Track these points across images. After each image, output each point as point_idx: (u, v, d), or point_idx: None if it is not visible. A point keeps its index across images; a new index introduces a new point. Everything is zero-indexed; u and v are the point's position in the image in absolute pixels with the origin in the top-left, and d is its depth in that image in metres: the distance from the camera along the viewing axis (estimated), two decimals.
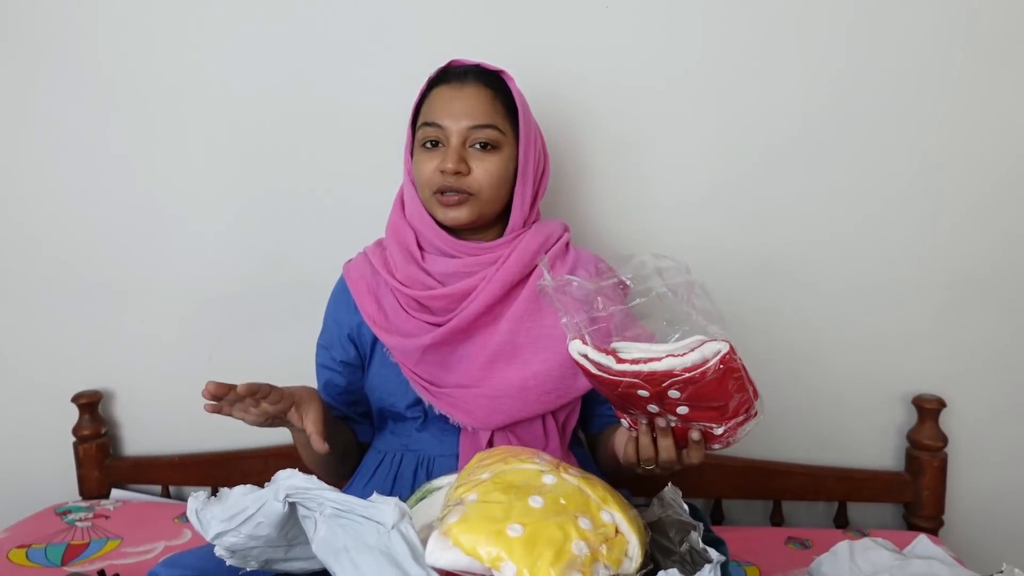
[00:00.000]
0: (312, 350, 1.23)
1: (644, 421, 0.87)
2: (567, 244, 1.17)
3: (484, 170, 1.07)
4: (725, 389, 0.76)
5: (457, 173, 1.05)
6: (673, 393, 0.77)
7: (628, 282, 0.84)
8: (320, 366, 1.21)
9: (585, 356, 0.81)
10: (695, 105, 1.42)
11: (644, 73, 1.42)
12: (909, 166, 1.41)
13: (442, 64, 1.14)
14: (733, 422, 0.81)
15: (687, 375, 0.74)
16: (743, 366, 0.76)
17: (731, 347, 0.75)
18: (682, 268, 0.82)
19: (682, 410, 0.80)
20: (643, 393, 0.79)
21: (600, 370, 0.80)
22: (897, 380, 1.47)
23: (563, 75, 1.43)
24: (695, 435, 0.84)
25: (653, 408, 0.82)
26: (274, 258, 1.55)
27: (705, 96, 1.42)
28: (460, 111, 1.07)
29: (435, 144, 1.08)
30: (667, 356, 0.75)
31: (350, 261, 1.22)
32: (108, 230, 1.58)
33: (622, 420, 0.91)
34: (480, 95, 1.08)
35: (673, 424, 0.85)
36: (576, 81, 1.43)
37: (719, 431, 0.82)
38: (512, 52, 1.42)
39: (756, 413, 0.81)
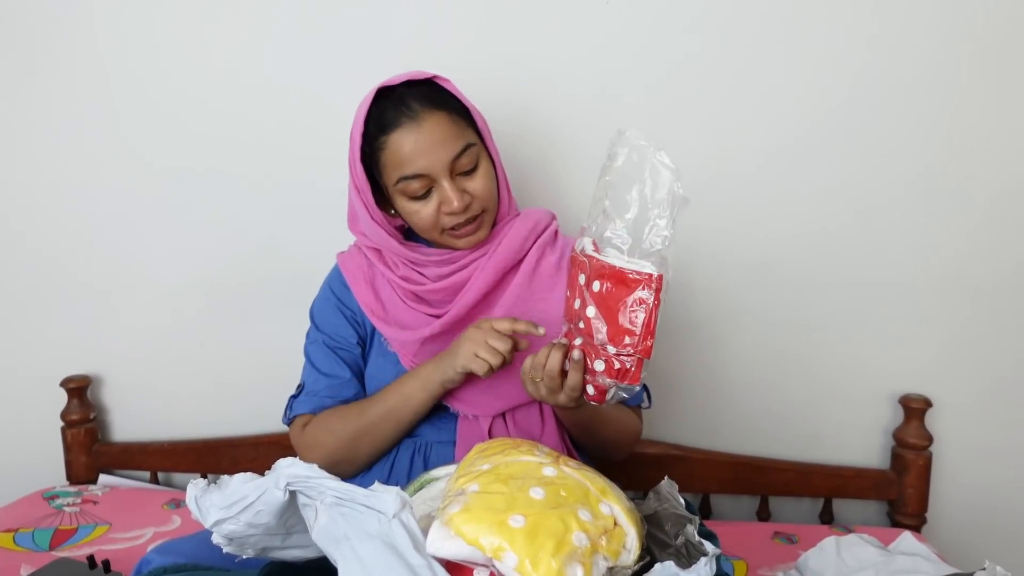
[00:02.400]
0: (302, 336, 1.21)
1: (560, 341, 0.92)
2: (556, 231, 1.17)
3: (482, 187, 1.06)
4: (630, 304, 0.81)
5: (465, 207, 1.04)
6: (595, 285, 0.84)
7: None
8: (332, 346, 1.15)
9: (583, 250, 0.88)
10: (689, 102, 1.42)
11: (639, 68, 1.43)
12: (900, 167, 1.42)
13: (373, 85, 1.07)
14: (614, 356, 0.83)
15: (615, 269, 0.82)
16: (657, 306, 0.81)
17: (660, 276, 0.80)
18: (674, 180, 0.83)
19: (589, 311, 0.84)
20: (581, 279, 0.87)
21: (576, 252, 0.89)
22: (884, 379, 1.49)
23: (556, 69, 1.43)
24: (576, 353, 0.87)
25: (576, 304, 0.88)
26: (266, 246, 1.55)
27: (699, 93, 1.42)
28: (434, 149, 1.01)
29: (424, 191, 1.04)
30: (617, 258, 0.83)
31: (343, 253, 1.21)
32: (100, 218, 1.57)
33: (563, 327, 0.95)
34: (439, 121, 1.02)
35: (577, 344, 0.89)
36: (569, 75, 1.43)
37: (599, 365, 0.85)
38: (506, 43, 1.43)
39: (637, 375, 0.83)
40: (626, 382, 0.84)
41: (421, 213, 1.05)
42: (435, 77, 1.07)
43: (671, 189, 0.81)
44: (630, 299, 0.81)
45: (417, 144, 1.01)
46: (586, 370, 0.88)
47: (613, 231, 0.84)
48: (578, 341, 0.88)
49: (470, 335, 0.99)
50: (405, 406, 1.06)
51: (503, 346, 0.96)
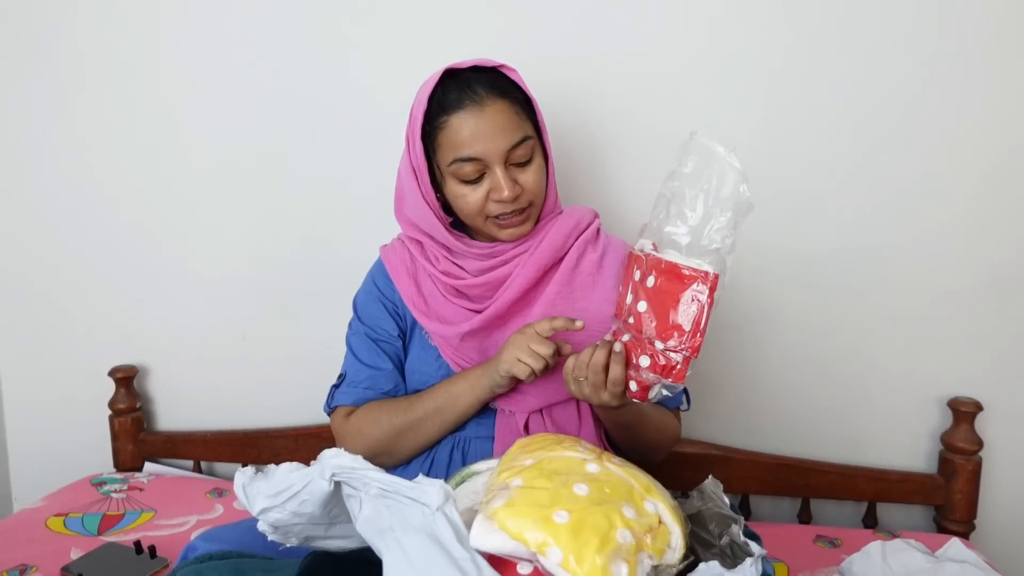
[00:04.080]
0: (343, 331, 1.22)
1: (605, 338, 0.92)
2: (598, 230, 1.17)
3: (533, 181, 1.06)
4: (683, 299, 0.81)
5: (515, 197, 1.04)
6: (650, 280, 0.84)
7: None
8: (374, 338, 1.15)
9: (642, 250, 0.88)
10: (736, 101, 1.41)
11: (685, 66, 1.41)
12: (949, 167, 1.38)
13: (439, 69, 1.06)
14: (662, 351, 0.82)
15: (671, 264, 0.82)
16: (710, 304, 0.80)
17: (717, 275, 0.79)
18: (740, 181, 0.81)
19: (641, 306, 0.84)
20: (636, 275, 0.87)
21: (635, 250, 0.90)
22: (932, 382, 1.45)
23: (600, 66, 1.42)
24: (617, 346, 0.88)
25: (628, 299, 0.88)
26: (308, 242, 1.57)
27: (747, 93, 1.40)
28: (493, 136, 1.01)
29: (476, 175, 1.04)
30: (676, 256, 0.83)
31: (386, 246, 1.22)
32: (149, 216, 1.62)
33: (613, 324, 0.95)
34: (502, 110, 1.02)
35: (626, 340, 0.89)
36: (612, 73, 1.42)
37: (644, 361, 0.85)
38: (549, 42, 1.42)
39: (683, 372, 0.82)
40: (671, 379, 0.83)
41: (469, 198, 1.05)
42: (502, 66, 1.08)
43: (737, 191, 0.80)
44: (683, 295, 0.80)
45: (477, 128, 1.01)
46: (630, 366, 0.87)
47: (674, 231, 0.84)
48: (625, 337, 0.88)
49: (513, 340, 1.00)
50: (452, 407, 1.07)
51: (545, 350, 0.97)
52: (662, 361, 0.82)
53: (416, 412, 1.08)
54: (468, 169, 1.03)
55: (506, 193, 1.02)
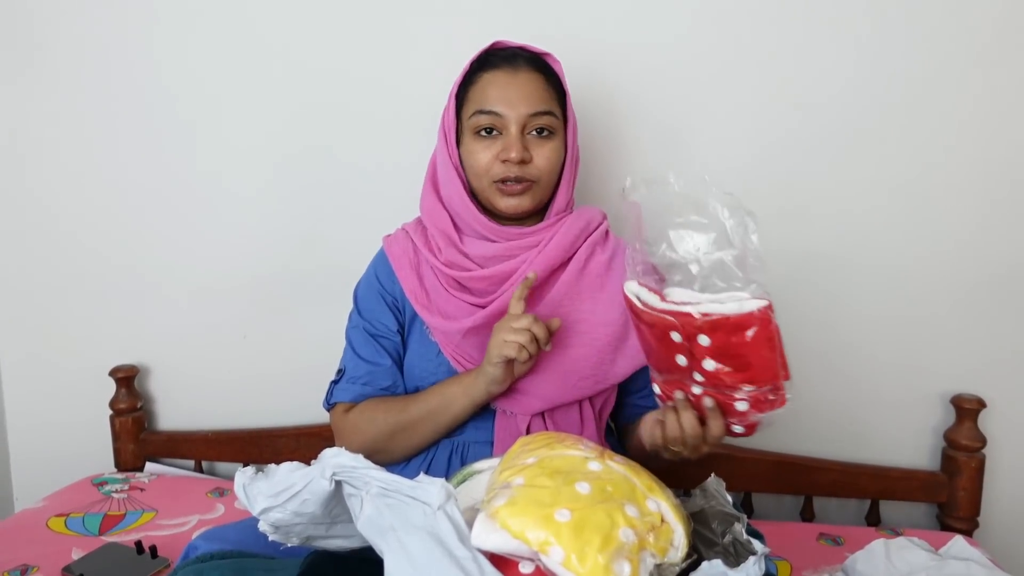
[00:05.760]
0: (344, 330, 1.21)
1: (678, 396, 0.86)
2: (607, 231, 1.17)
3: (544, 157, 1.07)
4: (752, 347, 0.75)
5: (521, 162, 1.04)
6: (703, 339, 0.76)
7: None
8: (372, 333, 1.15)
9: (637, 296, 0.82)
10: (738, 94, 1.40)
11: (685, 59, 1.41)
12: (952, 163, 1.38)
13: (480, 48, 1.11)
14: (757, 393, 0.78)
15: (718, 318, 0.74)
16: (778, 332, 0.75)
17: (769, 304, 0.74)
18: (743, 215, 0.77)
19: (708, 365, 0.78)
20: (676, 337, 0.79)
21: (645, 307, 0.81)
22: (935, 379, 1.45)
23: (607, 62, 1.41)
24: (708, 401, 0.83)
25: (682, 361, 0.80)
26: (308, 241, 1.57)
27: (748, 85, 1.40)
28: (517, 97, 1.05)
29: (490, 132, 1.06)
30: (708, 303, 0.76)
31: (389, 236, 1.21)
32: (149, 215, 1.61)
33: (654, 386, 0.90)
34: (534, 80, 1.07)
35: (697, 392, 0.84)
36: (618, 69, 1.42)
37: (742, 406, 0.80)
38: (552, 38, 1.41)
39: (783, 396, 0.78)
40: (777, 408, 0.80)
41: (479, 155, 1.06)
42: (548, 54, 1.11)
43: (730, 205, 0.76)
44: (750, 338, 0.75)
45: (505, 89, 1.06)
46: (726, 413, 0.83)
47: (675, 271, 0.78)
48: (697, 390, 0.84)
49: (495, 330, 0.99)
50: (446, 410, 1.06)
51: (526, 322, 0.95)
52: (762, 398, 0.79)
53: (411, 413, 1.08)
54: (484, 120, 1.06)
55: (513, 153, 1.03)
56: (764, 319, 0.74)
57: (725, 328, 0.75)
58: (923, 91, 1.36)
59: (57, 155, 1.62)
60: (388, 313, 1.15)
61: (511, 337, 0.96)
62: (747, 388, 0.78)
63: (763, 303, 0.74)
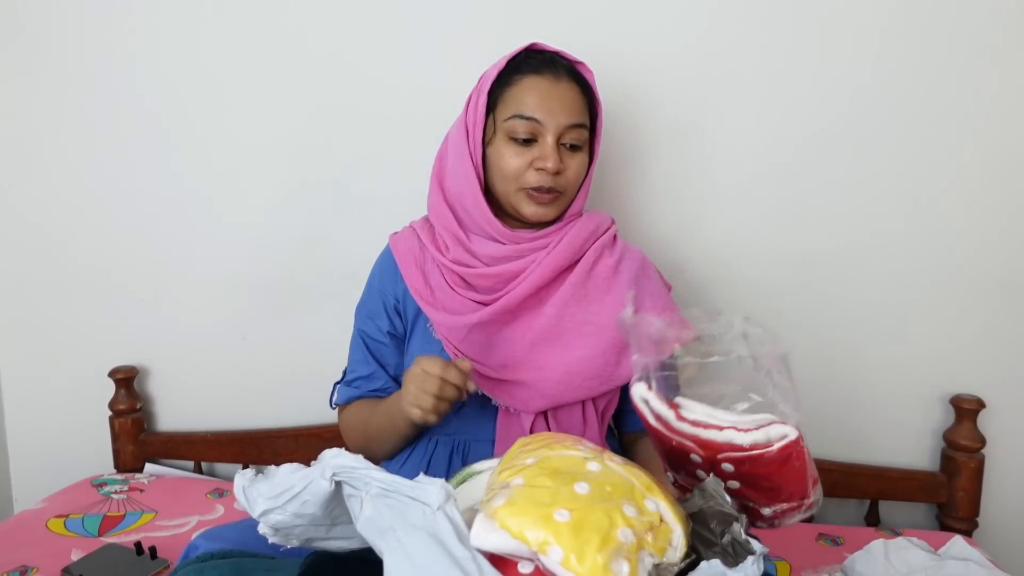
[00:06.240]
0: (345, 332, 1.22)
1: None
2: (615, 236, 1.18)
3: (574, 171, 1.07)
4: (782, 475, 0.72)
5: (556, 172, 1.04)
6: (727, 467, 0.73)
7: (710, 336, 0.78)
8: (364, 335, 1.17)
9: (647, 402, 0.77)
10: (739, 99, 1.41)
11: (688, 63, 1.41)
12: (953, 165, 1.38)
13: (494, 49, 1.10)
14: (784, 507, 0.76)
15: (745, 453, 0.70)
16: (807, 454, 0.72)
17: (799, 435, 0.70)
18: (770, 338, 0.75)
19: (732, 484, 0.75)
20: (695, 458, 0.75)
21: (659, 422, 0.76)
22: (934, 379, 1.45)
23: (616, 65, 1.41)
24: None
25: (702, 475, 0.77)
26: (308, 242, 1.57)
27: (750, 90, 1.40)
28: (559, 107, 1.04)
29: (527, 138, 1.05)
30: (729, 428, 0.71)
31: (396, 234, 1.21)
32: (148, 216, 1.61)
33: (669, 475, 0.85)
34: (573, 90, 1.06)
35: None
36: (623, 71, 1.41)
37: (767, 511, 0.77)
38: (561, 42, 1.42)
39: (812, 503, 0.76)
40: (805, 513, 0.78)
41: (512, 160, 1.05)
42: (583, 64, 1.10)
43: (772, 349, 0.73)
44: (782, 470, 0.71)
45: (547, 96, 1.04)
46: (750, 516, 0.79)
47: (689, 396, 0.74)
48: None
49: (404, 380, 0.98)
50: (392, 427, 1.07)
51: (436, 370, 0.93)
52: (790, 510, 0.76)
53: (371, 425, 1.11)
54: (522, 127, 1.04)
55: (550, 164, 1.03)
56: (793, 451, 0.69)
57: (750, 461, 0.71)
58: (927, 92, 1.36)
59: (56, 155, 1.62)
60: (383, 315, 1.15)
61: (423, 396, 0.94)
62: (774, 506, 0.76)
63: (791, 435, 0.69)
